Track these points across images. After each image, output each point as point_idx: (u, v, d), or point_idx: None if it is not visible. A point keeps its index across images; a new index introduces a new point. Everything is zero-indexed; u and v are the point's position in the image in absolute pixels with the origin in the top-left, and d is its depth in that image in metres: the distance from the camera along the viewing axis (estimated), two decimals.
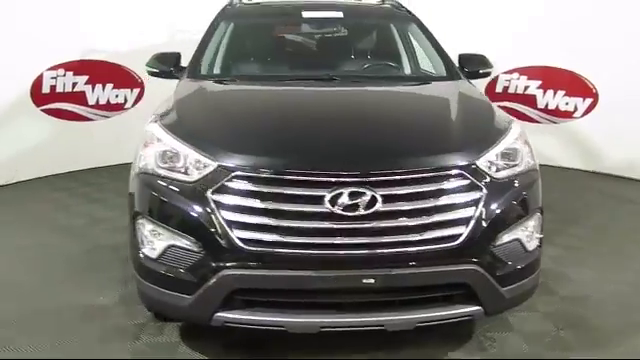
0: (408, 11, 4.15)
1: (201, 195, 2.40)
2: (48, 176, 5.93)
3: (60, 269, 3.78)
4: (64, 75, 6.06)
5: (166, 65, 3.64)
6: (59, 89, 6.04)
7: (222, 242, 2.35)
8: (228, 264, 2.36)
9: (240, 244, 2.33)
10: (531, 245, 2.61)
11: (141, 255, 2.58)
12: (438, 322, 2.49)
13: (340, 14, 4.00)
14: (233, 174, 2.38)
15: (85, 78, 6.21)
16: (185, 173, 2.50)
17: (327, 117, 2.88)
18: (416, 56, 4.24)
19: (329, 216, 2.32)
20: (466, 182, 2.43)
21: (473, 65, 3.69)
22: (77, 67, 6.11)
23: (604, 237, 4.42)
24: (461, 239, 2.38)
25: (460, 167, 2.44)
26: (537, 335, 2.98)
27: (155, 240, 2.52)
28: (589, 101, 6.22)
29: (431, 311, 2.44)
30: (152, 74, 3.73)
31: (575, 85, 6.24)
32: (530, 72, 6.46)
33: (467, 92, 3.24)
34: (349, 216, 2.31)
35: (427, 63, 3.89)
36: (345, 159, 2.42)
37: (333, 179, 2.33)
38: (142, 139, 2.78)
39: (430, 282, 2.40)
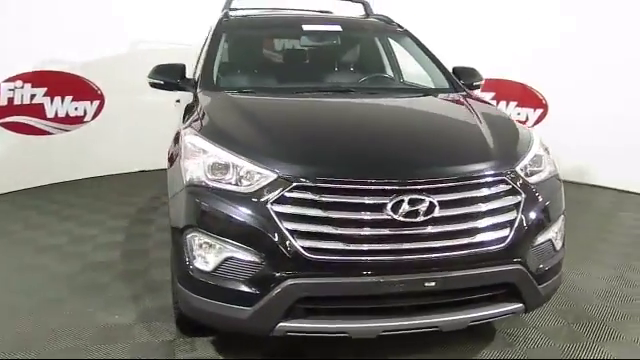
0: (399, 25, 4.31)
1: (261, 206, 2.41)
2: (8, 193, 5.62)
3: (60, 290, 3.62)
4: (22, 87, 5.79)
5: (172, 77, 3.59)
6: (17, 101, 5.76)
7: (285, 252, 2.36)
8: (292, 273, 2.38)
9: (305, 253, 2.36)
10: (558, 245, 2.81)
11: (192, 269, 2.54)
12: (486, 320, 2.63)
13: (339, 27, 4.10)
14: (294, 184, 2.41)
15: (44, 90, 5.97)
16: (237, 184, 2.50)
17: (370, 127, 2.96)
18: (400, 69, 4.44)
19: (391, 223, 2.40)
20: (508, 187, 2.59)
21: (466, 77, 3.89)
22: (35, 78, 5.87)
23: (575, 237, 4.75)
24: (507, 241, 2.52)
25: (503, 173, 2.59)
26: (553, 330, 3.18)
27: (210, 253, 2.50)
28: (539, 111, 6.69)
29: (481, 310, 2.57)
30: (155, 86, 3.67)
31: None
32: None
33: (481, 103, 3.42)
34: (409, 222, 2.40)
35: (422, 76, 4.04)
36: (404, 168, 2.51)
37: (394, 187, 2.41)
38: (179, 151, 2.75)
39: (482, 283, 2.53)
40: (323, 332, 2.48)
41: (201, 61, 3.71)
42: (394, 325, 2.47)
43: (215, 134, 2.73)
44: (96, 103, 6.46)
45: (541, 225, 2.66)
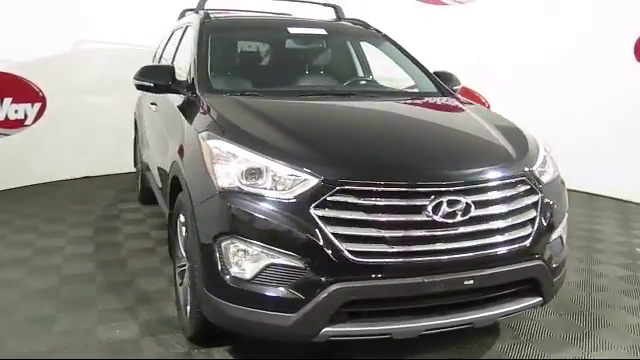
0: (377, 30, 4.38)
1: (303, 211, 2.38)
2: None
3: (43, 307, 3.37)
4: None
5: (163, 79, 3.45)
6: None
7: (330, 256, 2.35)
8: (337, 277, 2.36)
9: (350, 256, 2.35)
10: (564, 241, 2.98)
11: (228, 277, 2.46)
12: (512, 315, 2.74)
13: (324, 31, 4.11)
14: (337, 188, 2.40)
15: None
16: (273, 189, 2.45)
17: (395, 131, 2.99)
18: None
19: (431, 224, 2.44)
20: (527, 187, 2.71)
21: (445, 81, 4.01)
22: None
23: None
24: (530, 239, 2.64)
25: (524, 174, 2.71)
26: (550, 322, 3.33)
27: (249, 260, 2.43)
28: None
29: (508, 306, 2.66)
30: (144, 88, 3.51)
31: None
32: None
33: (478, 106, 3.55)
34: (448, 223, 2.46)
35: (404, 79, 4.11)
36: (442, 170, 2.56)
37: (433, 189, 2.46)
38: (197, 157, 2.67)
39: (511, 279, 2.63)
40: (366, 335, 2.48)
41: (193, 62, 3.55)
42: (433, 324, 2.52)
43: (242, 137, 2.66)
44: (37, 105, 6.10)
45: (553, 223, 2.80)
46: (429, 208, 2.44)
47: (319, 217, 2.37)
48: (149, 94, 4.39)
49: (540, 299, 2.75)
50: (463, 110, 3.42)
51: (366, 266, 2.37)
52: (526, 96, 6.47)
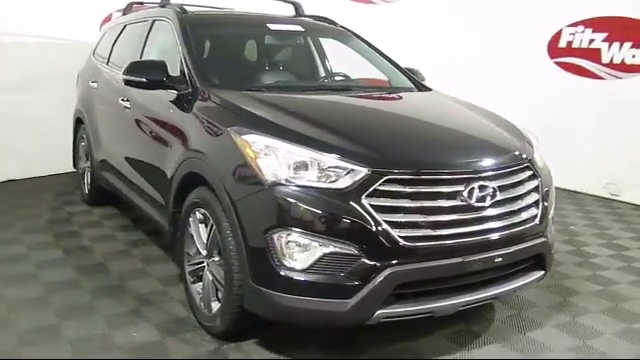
0: (343, 27, 4.54)
1: (355, 200, 2.50)
2: None
3: (40, 317, 3.18)
4: None
5: (157, 74, 3.36)
6: None
7: (383, 242, 2.49)
8: (391, 262, 2.51)
9: (401, 241, 2.51)
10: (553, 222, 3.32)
11: (281, 268, 2.52)
12: (524, 288, 3.03)
13: (300, 27, 4.19)
14: (385, 178, 2.54)
15: None
16: (321, 181, 2.54)
17: (418, 123, 3.19)
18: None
19: (467, 208, 2.66)
20: (531, 172, 3.01)
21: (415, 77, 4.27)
22: None
23: None
24: (537, 218, 2.95)
25: (529, 160, 3.02)
26: (555, 305, 3.56)
27: (303, 251, 2.50)
28: None
29: (521, 280, 2.93)
30: (136, 84, 3.40)
31: None
32: None
33: (466, 101, 3.79)
34: (480, 206, 2.69)
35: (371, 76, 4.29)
36: (472, 158, 2.77)
37: (467, 176, 2.68)
38: (239, 151, 2.68)
39: (526, 255, 2.91)
40: (412, 314, 2.64)
41: (183, 57, 3.50)
42: (468, 300, 2.74)
43: (279, 131, 2.72)
44: None
45: (549, 204, 3.13)
46: (464, 193, 2.65)
47: (371, 206, 2.50)
48: (104, 90, 4.28)
49: (543, 272, 3.07)
50: (458, 104, 3.66)
51: (415, 250, 2.54)
52: (447, 92, 6.91)
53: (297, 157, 2.59)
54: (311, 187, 2.54)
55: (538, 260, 3.03)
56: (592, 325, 3.29)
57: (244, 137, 2.72)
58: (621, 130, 6.02)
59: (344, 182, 2.53)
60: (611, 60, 6.13)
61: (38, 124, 6.16)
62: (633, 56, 5.96)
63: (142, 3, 5.32)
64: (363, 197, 2.50)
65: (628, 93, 5.98)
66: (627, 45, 5.99)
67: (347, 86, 3.86)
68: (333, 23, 4.57)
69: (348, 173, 2.54)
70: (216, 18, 4.21)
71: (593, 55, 6.27)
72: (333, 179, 2.55)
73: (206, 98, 3.19)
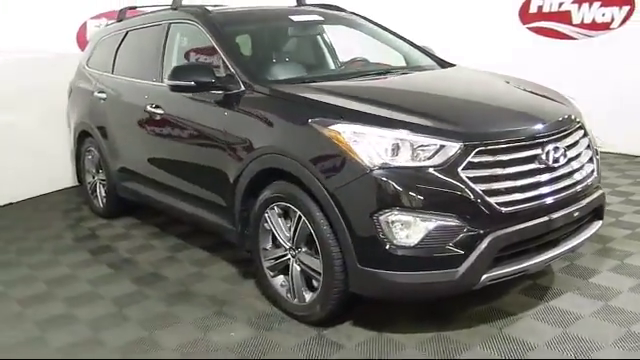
0: (353, 13, 4.63)
1: (453, 174, 2.64)
2: None
3: (127, 330, 3.19)
4: None
5: (206, 77, 3.37)
6: None
7: (484, 210, 2.65)
8: (492, 229, 2.67)
9: (498, 208, 2.67)
10: None
11: (392, 247, 2.63)
12: (592, 238, 3.25)
13: (320, 17, 4.26)
14: (476, 150, 2.68)
15: None
16: (417, 159, 2.66)
17: (479, 96, 3.33)
18: None
19: (548, 169, 2.85)
20: (583, 131, 3.23)
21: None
22: None
23: None
24: (595, 172, 3.18)
25: (580, 121, 3.24)
26: (599, 251, 3.76)
27: (412, 228, 2.62)
28: None
29: (589, 231, 3.17)
30: (183, 89, 3.41)
31: None
32: None
33: (489, 71, 3.98)
34: (557, 166, 2.89)
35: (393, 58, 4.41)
36: (542, 124, 2.92)
37: (541, 140, 2.87)
38: (330, 142, 2.77)
39: (593, 207, 3.13)
40: (511, 274, 2.82)
41: (224, 58, 3.52)
42: (553, 255, 2.94)
43: (363, 118, 2.81)
44: None
45: (594, 157, 3.36)
46: (543, 156, 2.84)
47: (468, 178, 2.64)
48: (120, 99, 4.23)
49: (601, 222, 3.31)
50: (493, 76, 3.83)
51: (510, 214, 2.71)
52: None
53: (389, 140, 2.69)
54: (409, 167, 2.66)
55: (597, 211, 3.26)
56: None
57: (332, 127, 2.79)
58: (598, 84, 6.38)
59: (440, 158, 2.66)
60: (582, 20, 6.49)
61: (24, 144, 5.93)
62: (603, 14, 6.35)
63: (135, 8, 5.22)
64: (459, 170, 2.64)
65: (601, 50, 6.37)
66: (596, 4, 6.37)
67: (385, 69, 3.96)
68: (341, 10, 4.64)
69: (439, 149, 2.67)
70: (240, 15, 4.20)
71: (564, 17, 6.62)
72: (426, 157, 2.67)
73: (264, 94, 3.23)
